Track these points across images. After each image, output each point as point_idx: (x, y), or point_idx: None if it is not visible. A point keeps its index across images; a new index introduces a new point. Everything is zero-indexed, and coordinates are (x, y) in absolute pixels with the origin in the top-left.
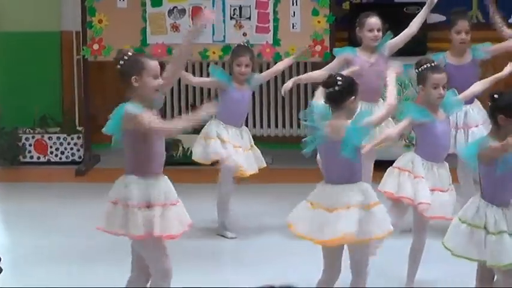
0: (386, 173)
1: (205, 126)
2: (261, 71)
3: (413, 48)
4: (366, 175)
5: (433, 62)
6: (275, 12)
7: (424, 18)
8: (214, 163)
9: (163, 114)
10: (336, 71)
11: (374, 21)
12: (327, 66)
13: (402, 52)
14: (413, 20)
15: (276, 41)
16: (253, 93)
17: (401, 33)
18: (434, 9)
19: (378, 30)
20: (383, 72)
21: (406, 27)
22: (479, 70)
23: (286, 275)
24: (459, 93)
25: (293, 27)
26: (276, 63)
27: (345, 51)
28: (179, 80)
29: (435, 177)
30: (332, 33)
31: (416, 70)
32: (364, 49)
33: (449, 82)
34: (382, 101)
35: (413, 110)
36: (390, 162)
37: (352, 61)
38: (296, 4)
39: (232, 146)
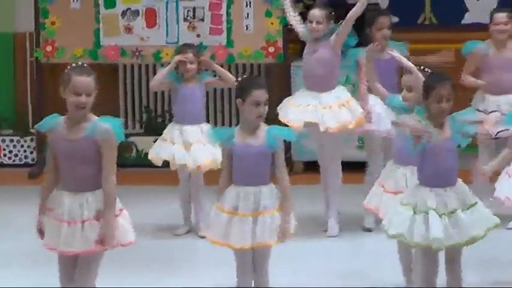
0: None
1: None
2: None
3: None
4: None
5: None
6: (228, 14)
7: (363, 4)
8: (169, 165)
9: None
10: None
11: (313, 13)
12: None
13: None
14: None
15: (230, 43)
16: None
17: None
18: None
19: (318, 23)
20: (327, 62)
21: (359, 27)
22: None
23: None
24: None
25: (246, 29)
26: (229, 64)
27: None
28: (133, 83)
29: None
30: (285, 35)
31: None
32: (313, 41)
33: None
34: (334, 89)
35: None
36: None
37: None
38: (249, 6)
39: (183, 147)
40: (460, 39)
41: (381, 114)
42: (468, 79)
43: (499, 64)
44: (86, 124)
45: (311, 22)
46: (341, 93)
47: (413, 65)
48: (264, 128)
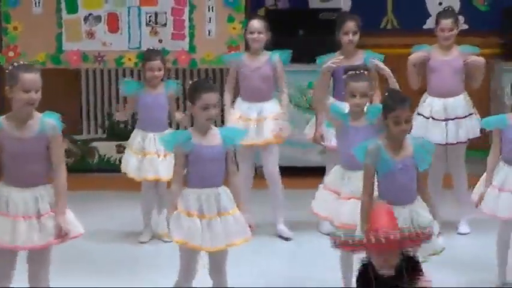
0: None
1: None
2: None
3: None
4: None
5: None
6: (191, 19)
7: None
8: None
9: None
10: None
11: (252, 24)
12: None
13: None
14: None
15: (192, 48)
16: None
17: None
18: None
19: (259, 33)
20: (270, 77)
21: (321, 32)
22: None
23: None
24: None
25: (209, 34)
26: (191, 70)
27: (232, 58)
28: (95, 88)
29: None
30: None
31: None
32: (250, 53)
33: (340, 83)
34: (273, 100)
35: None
36: (305, 169)
37: (240, 65)
38: (212, 11)
39: (144, 155)
40: (422, 43)
41: None
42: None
43: (443, 68)
44: (33, 121)
45: (252, 33)
46: (276, 105)
47: (391, 74)
48: (215, 129)
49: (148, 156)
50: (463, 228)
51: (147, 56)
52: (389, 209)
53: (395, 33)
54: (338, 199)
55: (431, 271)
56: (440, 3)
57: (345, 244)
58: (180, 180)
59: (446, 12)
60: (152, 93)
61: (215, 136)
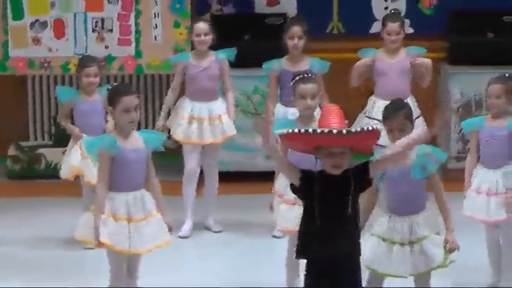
0: None
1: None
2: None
3: None
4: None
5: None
6: (137, 25)
7: None
8: (77, 177)
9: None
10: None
11: (198, 26)
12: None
13: None
14: None
15: (138, 53)
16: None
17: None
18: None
19: (205, 34)
20: (216, 76)
21: (267, 37)
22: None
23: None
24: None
25: (155, 39)
26: (138, 75)
27: (179, 58)
28: (42, 95)
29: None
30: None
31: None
32: (196, 54)
33: (287, 88)
34: (219, 99)
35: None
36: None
37: (187, 66)
38: (158, 16)
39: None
40: (369, 47)
41: None
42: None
43: (391, 70)
44: None
45: (198, 35)
46: (223, 104)
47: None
48: (136, 133)
49: (88, 160)
50: None
51: (83, 62)
52: (338, 109)
53: (342, 38)
54: (284, 203)
55: None
56: (386, 8)
57: (291, 137)
58: (106, 184)
59: (393, 16)
60: (88, 99)
61: (137, 139)
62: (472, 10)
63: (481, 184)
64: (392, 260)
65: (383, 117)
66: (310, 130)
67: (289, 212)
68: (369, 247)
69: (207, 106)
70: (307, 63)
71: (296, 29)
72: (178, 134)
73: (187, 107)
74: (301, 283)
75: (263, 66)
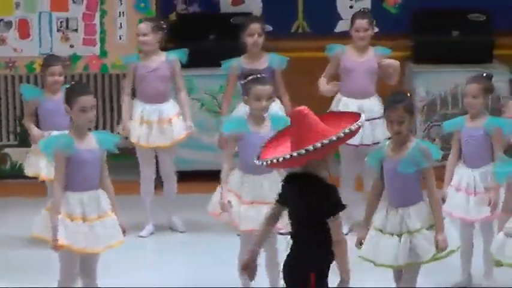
0: None
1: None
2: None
3: None
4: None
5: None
6: (102, 24)
7: None
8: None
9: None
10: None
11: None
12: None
13: None
14: None
15: (103, 53)
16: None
17: None
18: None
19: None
20: (167, 76)
21: (232, 36)
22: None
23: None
24: None
25: (120, 39)
26: (103, 75)
27: (128, 60)
28: (7, 95)
29: (255, 190)
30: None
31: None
32: (145, 55)
33: None
34: (170, 101)
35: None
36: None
37: (137, 67)
38: (123, 16)
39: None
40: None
41: None
42: (324, 87)
43: (358, 69)
44: None
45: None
46: (175, 106)
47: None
48: (90, 133)
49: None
50: None
51: (47, 61)
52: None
53: (307, 37)
54: (241, 204)
55: None
56: (351, 7)
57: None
58: (62, 184)
59: (362, 13)
60: (53, 98)
61: (91, 139)
62: (436, 9)
63: (461, 181)
64: (381, 249)
65: (384, 108)
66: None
67: (246, 212)
68: (367, 239)
69: (158, 108)
70: (266, 60)
71: (255, 26)
72: (131, 137)
73: (138, 109)
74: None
75: (222, 65)
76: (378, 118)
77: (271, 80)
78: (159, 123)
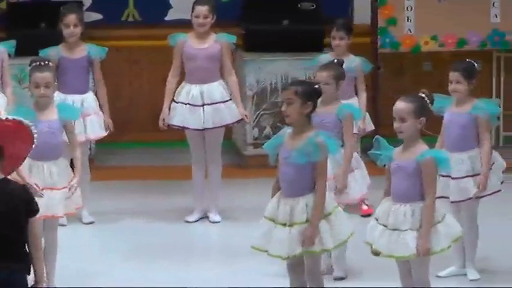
0: None
1: None
2: None
3: None
4: None
5: None
6: None
7: None
8: None
9: None
10: None
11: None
12: None
13: None
14: None
15: None
16: None
17: None
18: (91, 8)
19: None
20: (83, 68)
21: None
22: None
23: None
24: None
25: None
26: None
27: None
28: None
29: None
30: None
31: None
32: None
33: (64, 75)
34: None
35: None
36: None
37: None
38: None
39: None
40: (164, 35)
41: None
42: (169, 91)
43: (200, 55)
44: None
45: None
46: None
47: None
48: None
49: None
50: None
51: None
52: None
53: (137, 26)
54: None
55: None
56: None
57: None
58: None
59: (202, 0)
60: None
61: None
62: None
63: None
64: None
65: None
66: None
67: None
68: (259, 229)
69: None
70: (84, 50)
71: (70, 18)
72: None
73: None
74: None
75: (39, 53)
76: (221, 102)
77: (86, 69)
78: None
